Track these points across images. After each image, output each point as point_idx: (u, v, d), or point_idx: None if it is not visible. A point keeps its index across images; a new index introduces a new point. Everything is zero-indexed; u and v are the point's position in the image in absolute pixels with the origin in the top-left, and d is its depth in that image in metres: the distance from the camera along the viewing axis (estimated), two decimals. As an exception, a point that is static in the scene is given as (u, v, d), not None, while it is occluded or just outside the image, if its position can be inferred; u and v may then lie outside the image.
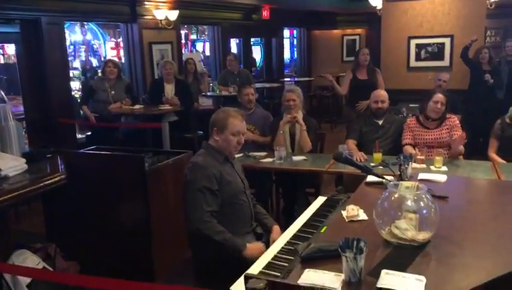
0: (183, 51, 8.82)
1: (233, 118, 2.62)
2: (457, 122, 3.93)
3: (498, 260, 1.77)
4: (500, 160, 3.77)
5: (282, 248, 2.09)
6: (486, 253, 1.84)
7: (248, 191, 2.76)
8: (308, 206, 2.71)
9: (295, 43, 13.00)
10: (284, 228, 2.62)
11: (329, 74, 6.22)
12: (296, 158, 3.97)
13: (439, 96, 3.90)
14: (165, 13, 7.15)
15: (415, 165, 3.43)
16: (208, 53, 10.75)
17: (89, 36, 9.95)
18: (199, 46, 12.25)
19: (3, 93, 6.62)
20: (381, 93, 4.28)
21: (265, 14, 9.57)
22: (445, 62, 6.60)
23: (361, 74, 5.77)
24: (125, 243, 3.25)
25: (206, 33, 11.06)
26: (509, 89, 5.98)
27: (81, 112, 5.95)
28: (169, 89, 6.14)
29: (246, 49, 10.22)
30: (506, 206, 2.42)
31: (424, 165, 3.52)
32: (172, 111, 5.93)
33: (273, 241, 2.48)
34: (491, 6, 6.69)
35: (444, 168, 3.44)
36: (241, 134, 2.65)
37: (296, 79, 11.33)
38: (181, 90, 6.15)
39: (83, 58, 9.77)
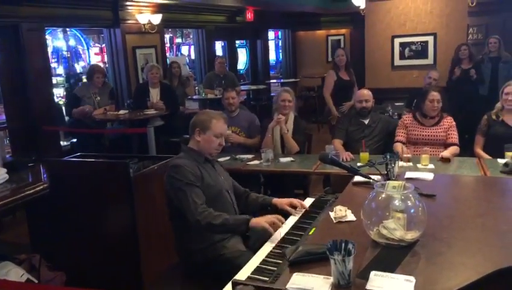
0: (168, 55, 8.77)
1: (217, 120, 2.65)
2: (454, 123, 3.94)
3: (487, 257, 1.76)
4: (486, 156, 3.79)
5: (271, 251, 2.07)
6: (474, 250, 1.84)
7: (231, 192, 2.73)
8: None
9: (280, 44, 13.02)
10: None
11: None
12: (283, 160, 3.95)
13: (434, 95, 3.91)
14: (148, 17, 7.10)
15: (401, 163, 3.44)
16: (193, 56, 10.70)
17: (72, 42, 9.85)
18: (184, 49, 12.19)
19: (-16, 102, 6.50)
20: (365, 93, 4.29)
21: (250, 16, 9.56)
22: (429, 60, 6.66)
23: (343, 74, 5.80)
24: (113, 251, 3.20)
25: (191, 36, 11.02)
26: (492, 86, 6.04)
27: (67, 118, 5.86)
28: (155, 94, 6.09)
29: (231, 51, 10.19)
30: (493, 202, 2.43)
31: (410, 164, 3.53)
32: (157, 115, 5.88)
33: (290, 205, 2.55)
34: (472, 4, 6.75)
35: (431, 166, 3.45)
36: (223, 136, 2.67)
37: (282, 80, 11.33)
38: (166, 94, 6.10)
39: (67, 65, 9.66)
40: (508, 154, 3.43)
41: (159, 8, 7.24)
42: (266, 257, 2.02)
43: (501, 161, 3.46)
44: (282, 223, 2.27)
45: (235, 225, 2.41)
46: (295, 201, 2.62)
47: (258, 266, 1.90)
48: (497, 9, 8.89)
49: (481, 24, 9.61)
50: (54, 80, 7.25)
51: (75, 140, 6.11)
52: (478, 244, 1.89)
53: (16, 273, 2.69)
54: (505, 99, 3.84)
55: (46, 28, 6.12)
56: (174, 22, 8.22)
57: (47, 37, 6.62)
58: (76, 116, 5.61)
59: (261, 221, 2.30)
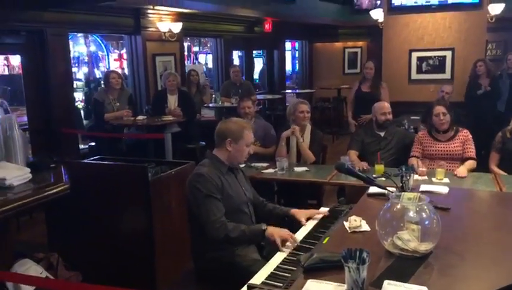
0: (186, 63, 8.89)
1: (248, 130, 2.68)
2: (470, 136, 3.91)
3: (500, 272, 1.78)
4: (501, 172, 3.77)
5: (285, 258, 2.10)
6: (488, 264, 1.85)
7: (251, 205, 2.76)
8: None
9: (297, 55, 13.10)
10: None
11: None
12: (298, 169, 3.98)
13: (437, 109, 3.91)
14: (169, 25, 7.22)
15: (416, 177, 3.45)
16: (210, 65, 10.83)
17: (92, 47, 10.05)
18: (201, 58, 12.34)
19: (7, 104, 6.67)
20: (386, 105, 4.31)
21: (268, 26, 9.65)
22: (447, 75, 6.65)
23: (365, 86, 5.81)
24: (128, 253, 3.26)
25: (209, 45, 11.16)
26: (510, 102, 6.01)
27: (86, 122, 5.95)
28: (173, 100, 6.18)
29: (247, 61, 10.29)
30: (508, 217, 2.43)
31: (425, 177, 3.53)
32: (175, 122, 5.96)
33: (306, 217, 2.55)
34: (491, 20, 6.75)
35: (446, 180, 3.45)
36: (250, 145, 2.71)
37: (297, 91, 11.39)
38: (184, 101, 6.18)
39: (87, 70, 9.85)
40: (524, 170, 3.42)
41: (180, 17, 7.36)
42: (280, 263, 2.05)
43: (517, 177, 3.45)
44: (295, 242, 2.25)
45: (251, 236, 2.45)
46: (314, 212, 2.63)
47: (272, 272, 1.94)
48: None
49: (500, 40, 9.57)
50: (74, 84, 7.39)
51: (93, 144, 6.22)
52: (492, 258, 1.91)
53: (35, 271, 2.77)
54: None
55: (69, 33, 6.28)
56: (194, 30, 8.34)
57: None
58: (109, 121, 5.71)
59: (275, 234, 2.30)
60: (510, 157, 3.79)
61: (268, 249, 2.62)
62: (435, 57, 6.72)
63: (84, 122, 7.43)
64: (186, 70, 7.59)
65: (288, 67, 13.04)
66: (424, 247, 1.85)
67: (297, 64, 13.21)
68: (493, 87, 5.95)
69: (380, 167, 3.63)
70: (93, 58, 10.11)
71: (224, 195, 2.56)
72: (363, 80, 5.85)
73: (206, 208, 2.47)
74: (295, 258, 2.01)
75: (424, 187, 2.85)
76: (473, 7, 6.43)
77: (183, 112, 6.05)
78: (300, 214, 2.64)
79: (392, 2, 6.81)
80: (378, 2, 10.32)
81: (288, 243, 2.26)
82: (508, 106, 6.01)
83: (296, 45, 12.90)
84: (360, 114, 5.72)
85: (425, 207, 1.87)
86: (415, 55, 6.81)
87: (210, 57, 10.87)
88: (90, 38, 9.67)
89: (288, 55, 12.91)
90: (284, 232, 2.32)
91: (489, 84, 5.95)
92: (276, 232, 2.32)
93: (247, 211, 2.71)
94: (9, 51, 6.16)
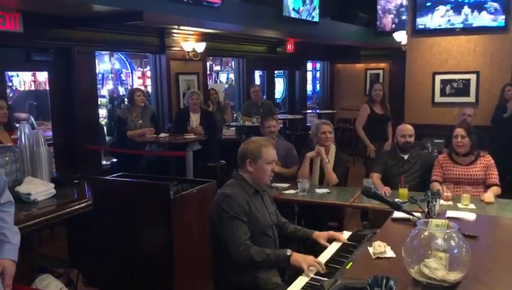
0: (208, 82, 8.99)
1: (266, 147, 2.62)
2: (492, 162, 3.82)
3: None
4: (529, 199, 3.67)
5: (307, 283, 2.06)
6: (520, 297, 1.78)
7: (275, 228, 2.72)
8: (331, 241, 2.68)
9: (318, 75, 13.12)
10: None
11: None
12: (319, 191, 3.94)
13: (457, 130, 3.86)
14: (193, 45, 7.33)
15: (442, 202, 3.37)
16: (230, 84, 10.94)
17: (117, 65, 10.26)
18: (223, 77, 12.47)
19: (33, 119, 6.82)
20: (408, 127, 4.25)
21: (290, 47, 9.72)
22: (471, 98, 6.55)
23: (378, 108, 5.81)
24: (147, 272, 3.25)
25: (230, 64, 11.28)
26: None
27: (108, 138, 6.02)
28: (195, 119, 6.23)
29: (269, 81, 10.35)
30: (539, 248, 2.35)
31: (450, 203, 3.45)
32: (196, 140, 6.00)
33: (330, 241, 2.52)
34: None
35: (472, 206, 3.36)
36: (274, 162, 2.66)
37: (318, 111, 11.38)
38: (206, 120, 6.23)
39: (111, 87, 10.04)
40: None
41: (203, 37, 7.48)
42: (302, 288, 2.02)
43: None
44: (322, 269, 2.19)
45: (276, 261, 2.40)
46: (336, 235, 2.60)
47: (295, 297, 1.90)
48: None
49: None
50: (98, 101, 7.52)
51: (115, 160, 6.29)
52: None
53: (55, 286, 2.77)
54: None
55: (95, 51, 6.42)
56: (217, 50, 8.45)
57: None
58: (132, 138, 5.78)
59: (302, 262, 2.24)
60: (538, 184, 3.69)
61: (290, 273, 2.57)
62: (459, 80, 6.64)
63: (107, 138, 7.54)
64: (210, 89, 7.67)
65: (309, 87, 13.07)
66: (453, 276, 1.79)
67: (318, 85, 13.23)
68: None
69: (403, 191, 3.57)
70: (117, 75, 10.31)
71: (250, 217, 2.52)
72: (371, 102, 5.84)
73: (231, 229, 2.44)
74: (318, 284, 1.98)
75: (450, 213, 2.78)
76: (499, 30, 6.35)
77: (204, 130, 6.09)
78: (321, 237, 2.61)
79: (416, 24, 6.78)
80: (401, 18, 10.30)
81: (311, 268, 2.21)
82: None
83: (317, 65, 12.93)
84: (374, 136, 5.69)
85: (454, 235, 1.82)
86: (438, 78, 6.73)
87: (231, 76, 10.98)
88: (114, 56, 9.87)
89: (309, 76, 12.95)
90: (311, 259, 2.26)
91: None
92: (302, 259, 2.26)
93: (272, 235, 2.66)
94: (38, 68, 6.33)
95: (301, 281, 2.11)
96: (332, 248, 2.50)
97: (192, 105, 6.22)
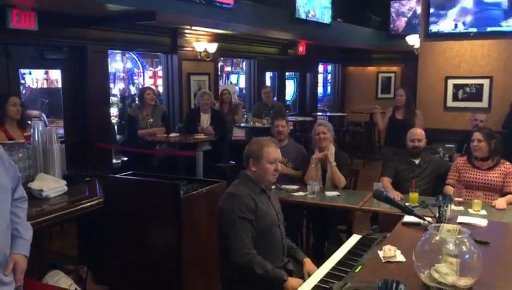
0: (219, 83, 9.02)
1: (267, 146, 2.64)
2: None
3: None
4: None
5: (316, 285, 2.06)
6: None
7: (282, 226, 2.74)
8: (340, 244, 2.68)
9: (329, 78, 13.09)
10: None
11: (377, 107, 6.20)
12: (329, 193, 3.92)
13: (474, 135, 3.84)
14: (205, 46, 7.36)
15: (452, 207, 3.34)
16: (242, 85, 10.94)
17: (128, 64, 10.32)
18: (233, 78, 12.48)
19: (44, 116, 6.88)
20: (417, 132, 4.23)
21: (302, 49, 9.71)
22: (484, 103, 6.50)
23: (399, 113, 5.73)
24: (156, 270, 3.26)
25: (241, 66, 11.29)
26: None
27: (119, 137, 6.06)
28: (205, 119, 6.25)
29: (280, 82, 10.35)
30: (552, 255, 2.32)
31: (461, 208, 3.42)
32: (206, 140, 6.01)
33: (308, 275, 2.45)
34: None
35: (483, 212, 3.33)
36: (277, 161, 2.66)
37: (328, 114, 11.35)
38: (216, 120, 6.25)
39: (122, 86, 10.09)
40: None
41: (215, 38, 7.50)
42: (311, 289, 2.01)
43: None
44: None
45: (272, 279, 2.43)
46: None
47: (303, 299, 1.90)
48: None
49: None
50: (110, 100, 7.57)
51: (125, 158, 6.33)
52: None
53: (65, 283, 2.79)
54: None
55: (108, 50, 6.47)
56: (228, 51, 8.47)
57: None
58: (143, 137, 5.81)
59: (295, 284, 2.31)
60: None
61: (298, 270, 2.58)
62: (472, 85, 6.59)
63: (117, 137, 7.59)
64: (220, 90, 7.69)
65: (320, 90, 13.04)
66: (464, 282, 1.78)
67: (329, 87, 13.19)
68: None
69: (414, 195, 3.54)
70: (129, 75, 10.37)
71: (258, 213, 2.55)
72: (396, 107, 5.78)
73: (237, 230, 2.46)
74: (327, 286, 1.97)
75: (461, 219, 2.76)
76: (513, 35, 6.30)
77: (215, 130, 6.10)
78: (307, 264, 2.65)
79: (430, 28, 6.74)
80: (415, 21, 10.25)
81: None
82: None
83: (329, 67, 12.90)
84: (393, 141, 5.62)
85: (466, 240, 1.80)
86: (451, 82, 6.69)
87: (242, 77, 10.99)
88: (126, 56, 9.93)
89: (320, 78, 12.93)
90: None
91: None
92: (296, 284, 2.31)
93: (279, 233, 2.68)
94: (51, 66, 6.38)
95: (310, 283, 2.11)
96: (341, 252, 2.49)
97: (203, 105, 6.24)
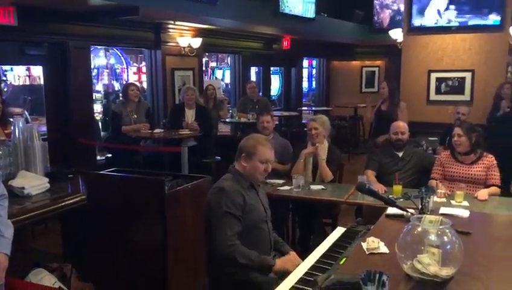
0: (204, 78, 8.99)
1: (263, 146, 2.65)
2: (495, 162, 3.81)
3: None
4: (523, 196, 3.69)
5: (301, 278, 2.07)
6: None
7: (270, 221, 2.74)
8: (325, 237, 2.69)
9: (314, 72, 13.12)
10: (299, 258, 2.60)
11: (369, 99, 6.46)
12: (314, 187, 3.95)
13: (455, 130, 3.89)
14: (189, 41, 7.31)
15: (435, 198, 3.39)
16: (228, 80, 10.91)
17: (112, 60, 10.20)
18: (219, 73, 12.44)
19: (27, 114, 6.77)
20: (400, 125, 4.27)
21: (286, 44, 9.71)
22: (466, 96, 6.57)
23: (384, 105, 5.83)
24: (141, 267, 3.24)
25: (226, 61, 11.26)
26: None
27: (103, 133, 6.01)
28: (190, 115, 6.22)
29: (265, 77, 10.35)
30: (532, 244, 2.36)
31: (444, 199, 3.47)
32: (191, 136, 5.99)
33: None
34: (512, 42, 6.67)
35: (465, 203, 3.38)
36: (268, 162, 2.67)
37: (314, 108, 11.38)
38: (201, 116, 6.22)
39: (106, 82, 9.99)
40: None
41: (199, 33, 7.46)
42: (296, 283, 2.02)
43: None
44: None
45: (259, 267, 2.43)
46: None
47: (288, 292, 1.90)
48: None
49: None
50: (93, 96, 7.49)
51: (109, 155, 6.27)
52: (514, 285, 1.85)
53: (48, 281, 2.77)
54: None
55: (91, 46, 6.39)
56: (213, 46, 8.44)
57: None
58: (127, 133, 5.76)
59: (286, 265, 2.32)
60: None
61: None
62: (454, 78, 6.66)
63: (102, 133, 7.51)
64: (204, 85, 7.66)
65: (305, 84, 13.07)
66: (445, 272, 1.80)
67: (314, 82, 13.23)
68: (513, 110, 5.85)
69: (398, 188, 3.58)
70: (112, 71, 10.26)
71: (246, 208, 2.55)
72: (383, 100, 5.87)
73: (222, 224, 2.46)
74: (312, 279, 1.98)
75: (444, 210, 2.79)
76: (494, 29, 6.37)
77: (200, 126, 6.08)
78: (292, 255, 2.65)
79: (412, 22, 6.79)
80: (398, 15, 10.31)
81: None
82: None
83: (314, 62, 12.94)
84: (378, 133, 5.69)
85: (447, 231, 1.82)
86: (434, 76, 6.75)
87: (228, 72, 10.97)
88: (110, 51, 9.82)
89: (305, 73, 12.96)
90: (296, 261, 2.29)
91: (510, 107, 5.86)
92: (287, 264, 2.33)
93: (266, 229, 2.69)
94: (32, 62, 6.29)
95: (295, 275, 2.11)
96: (326, 244, 2.50)
97: (187, 101, 6.21)
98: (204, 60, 10.62)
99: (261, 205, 2.70)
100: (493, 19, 6.35)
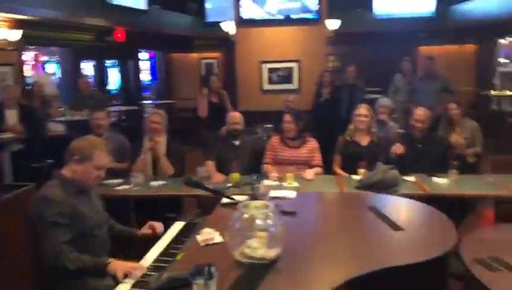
0: (32, 73, 8.13)
1: (99, 151, 2.43)
2: (317, 145, 4.21)
3: (339, 268, 1.91)
4: (343, 174, 4.12)
5: (138, 280, 1.99)
6: (330, 263, 1.98)
7: (105, 225, 2.58)
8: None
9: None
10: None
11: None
12: (154, 183, 3.86)
13: (284, 117, 4.22)
14: (5, 33, 6.50)
15: (268, 182, 3.59)
16: (60, 75, 10.07)
17: None
18: (51, 68, 11.40)
19: None
20: (236, 115, 4.44)
21: (120, 36, 9.30)
22: (294, 85, 7.12)
23: (214, 97, 6.03)
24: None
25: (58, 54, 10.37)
26: (349, 109, 6.62)
27: None
28: (12, 115, 5.55)
29: (99, 71, 9.80)
30: (348, 216, 2.65)
31: (277, 183, 3.69)
32: (14, 139, 5.36)
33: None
34: (331, 34, 7.41)
35: (296, 184, 3.64)
36: (103, 168, 2.48)
37: (156, 102, 11.17)
38: (25, 116, 5.60)
39: None
40: (361, 171, 3.79)
41: (18, 24, 6.68)
42: (132, 287, 1.95)
43: (355, 177, 3.80)
44: (141, 270, 2.11)
45: (94, 269, 2.26)
46: (154, 223, 2.58)
47: (122, 297, 1.82)
48: (352, 41, 9.92)
49: (340, 53, 10.61)
50: None
51: None
52: (333, 256, 2.05)
53: None
54: (356, 120, 4.24)
55: None
56: (37, 39, 7.66)
57: None
58: None
59: (117, 270, 2.15)
60: (350, 159, 4.15)
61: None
62: (283, 68, 7.15)
63: None
64: (32, 81, 6.93)
65: (148, 77, 12.76)
66: (273, 253, 1.91)
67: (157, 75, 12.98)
68: (333, 95, 6.51)
69: (235, 176, 3.70)
70: None
71: (76, 217, 2.33)
72: (209, 92, 6.14)
73: (49, 234, 2.24)
74: (145, 280, 1.92)
75: (273, 193, 2.97)
76: (314, 22, 6.99)
77: (24, 127, 5.47)
78: (143, 229, 2.61)
79: (241, 15, 7.06)
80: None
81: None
82: (348, 112, 6.61)
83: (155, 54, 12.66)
84: (211, 123, 5.89)
85: (271, 214, 1.93)
86: (265, 66, 7.15)
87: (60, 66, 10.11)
88: None
89: (147, 65, 12.64)
90: (129, 266, 2.16)
91: (330, 93, 6.51)
92: (119, 267, 2.16)
93: (101, 235, 2.51)
94: None
95: (132, 278, 2.03)
96: (164, 241, 2.46)
97: (6, 100, 5.53)
98: (33, 53, 9.63)
99: (94, 210, 2.52)
100: (313, 12, 6.96)
